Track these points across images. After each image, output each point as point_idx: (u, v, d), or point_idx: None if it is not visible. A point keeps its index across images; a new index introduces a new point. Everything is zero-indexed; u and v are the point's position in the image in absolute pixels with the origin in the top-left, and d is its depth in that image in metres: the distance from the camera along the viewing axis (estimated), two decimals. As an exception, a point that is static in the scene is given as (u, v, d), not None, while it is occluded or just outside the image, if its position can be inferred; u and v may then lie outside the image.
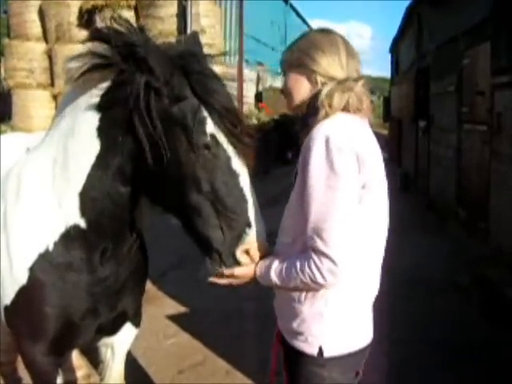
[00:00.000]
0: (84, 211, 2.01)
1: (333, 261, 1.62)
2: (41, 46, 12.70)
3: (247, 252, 1.80)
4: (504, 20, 5.90)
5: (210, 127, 1.78)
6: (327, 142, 1.63)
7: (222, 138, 1.80)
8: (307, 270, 1.66)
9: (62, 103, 2.11)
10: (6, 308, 2.16)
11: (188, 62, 1.82)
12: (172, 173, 1.80)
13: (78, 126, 1.96)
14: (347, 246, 1.65)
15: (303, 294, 1.77)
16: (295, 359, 1.85)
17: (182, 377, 3.78)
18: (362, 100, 1.78)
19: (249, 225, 1.78)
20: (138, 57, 1.78)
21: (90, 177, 1.96)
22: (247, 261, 1.81)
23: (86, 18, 12.13)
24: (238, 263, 1.81)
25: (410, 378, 3.66)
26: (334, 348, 1.77)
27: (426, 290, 5.38)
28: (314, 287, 1.71)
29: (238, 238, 1.78)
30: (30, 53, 12.63)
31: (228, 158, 1.80)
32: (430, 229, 8.10)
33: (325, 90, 1.76)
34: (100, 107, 1.91)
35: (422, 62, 11.66)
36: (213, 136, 1.78)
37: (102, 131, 1.92)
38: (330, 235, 1.62)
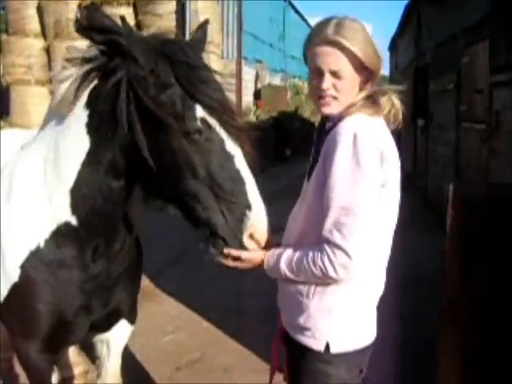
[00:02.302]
0: (75, 208, 2.00)
1: (348, 255, 1.62)
2: (39, 43, 12.65)
3: (252, 236, 1.78)
4: (503, 18, 5.89)
5: (200, 112, 1.77)
6: (355, 138, 1.64)
7: (214, 122, 1.78)
8: (319, 262, 1.65)
9: (52, 101, 2.11)
10: (0, 305, 2.16)
11: (171, 50, 1.81)
12: (167, 162, 1.79)
13: (67, 124, 1.96)
14: (364, 242, 1.65)
15: (312, 289, 1.76)
16: (300, 355, 1.83)
17: (179, 374, 3.78)
18: (398, 112, 1.84)
19: (249, 207, 1.76)
20: (121, 49, 1.77)
21: (80, 173, 1.96)
22: (254, 246, 1.79)
23: (85, 14, 12.09)
24: (245, 249, 1.80)
25: (409, 376, 3.66)
26: (341, 344, 1.77)
27: (424, 287, 5.39)
28: (324, 280, 1.70)
29: (240, 221, 1.76)
30: (29, 49, 12.59)
31: (221, 141, 1.79)
32: (428, 226, 8.10)
33: (391, 96, 1.80)
34: (88, 103, 1.91)
35: (420, 59, 11.65)
36: (204, 120, 1.77)
37: (92, 127, 1.92)
38: (349, 230, 1.62)
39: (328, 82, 1.73)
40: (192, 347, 4.17)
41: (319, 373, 1.79)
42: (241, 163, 1.80)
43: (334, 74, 1.73)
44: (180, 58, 1.80)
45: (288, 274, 1.76)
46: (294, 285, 1.81)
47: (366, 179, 1.63)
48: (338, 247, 1.63)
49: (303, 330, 1.80)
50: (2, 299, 2.13)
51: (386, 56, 20.30)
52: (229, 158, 1.79)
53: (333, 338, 1.76)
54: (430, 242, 7.26)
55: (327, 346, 1.76)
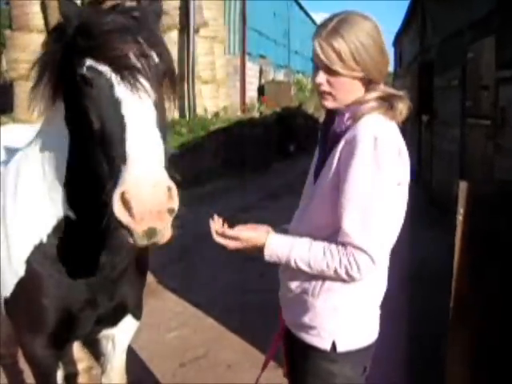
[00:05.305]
0: (72, 202, 2.01)
1: (371, 257, 1.63)
2: (43, 38, 12.67)
3: (122, 197, 1.46)
4: (509, 14, 5.85)
5: (90, 61, 1.64)
6: (375, 140, 1.64)
7: (105, 68, 1.62)
8: (346, 261, 1.64)
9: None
10: (6, 300, 2.18)
11: (90, 12, 1.74)
12: (87, 127, 1.68)
13: (53, 120, 1.98)
14: (385, 243, 1.68)
15: (318, 287, 1.75)
16: (304, 354, 1.82)
17: (183, 370, 3.79)
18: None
19: (123, 159, 1.49)
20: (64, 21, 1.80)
21: (69, 167, 1.96)
22: (123, 212, 1.48)
23: (89, 9, 12.09)
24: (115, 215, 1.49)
25: (417, 374, 3.64)
26: (347, 343, 1.76)
27: (428, 284, 5.37)
28: (340, 278, 1.69)
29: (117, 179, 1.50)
30: (32, 45, 12.57)
31: (110, 86, 1.60)
32: (433, 222, 8.08)
33: (407, 102, 1.80)
34: (63, 97, 1.90)
35: (425, 55, 11.60)
36: (91, 67, 1.63)
37: (69, 119, 1.91)
38: (373, 232, 1.63)
39: (321, 77, 1.73)
40: (196, 343, 4.18)
41: (324, 372, 1.78)
42: (131, 108, 1.56)
43: (328, 70, 1.72)
44: (92, 18, 1.70)
45: (300, 264, 1.70)
46: (298, 283, 1.79)
47: (387, 181, 1.65)
48: (364, 250, 1.63)
49: (308, 328, 1.79)
50: (10, 294, 2.15)
51: (390, 52, 20.27)
52: (116, 103, 1.57)
53: (339, 337, 1.75)
54: (435, 237, 7.25)
55: (333, 345, 1.75)
